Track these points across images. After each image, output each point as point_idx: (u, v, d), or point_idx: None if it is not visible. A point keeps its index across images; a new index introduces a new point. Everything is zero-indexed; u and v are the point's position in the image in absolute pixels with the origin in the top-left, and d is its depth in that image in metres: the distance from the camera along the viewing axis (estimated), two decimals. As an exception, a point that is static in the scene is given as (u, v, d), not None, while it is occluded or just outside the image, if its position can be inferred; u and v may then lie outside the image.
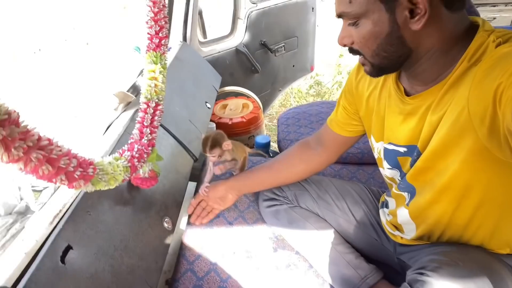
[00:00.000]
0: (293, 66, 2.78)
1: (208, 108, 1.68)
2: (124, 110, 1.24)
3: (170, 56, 1.73)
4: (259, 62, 2.46)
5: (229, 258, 1.04)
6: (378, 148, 0.92)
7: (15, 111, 0.49)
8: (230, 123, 1.94)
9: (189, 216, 1.20)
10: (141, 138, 0.96)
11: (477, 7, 2.58)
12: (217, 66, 2.16)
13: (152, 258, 0.94)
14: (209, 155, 1.09)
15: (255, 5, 2.33)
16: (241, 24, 2.32)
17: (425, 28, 0.64)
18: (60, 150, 0.58)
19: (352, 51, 0.74)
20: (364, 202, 1.09)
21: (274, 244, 1.09)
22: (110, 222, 0.88)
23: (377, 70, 0.74)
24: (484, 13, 2.48)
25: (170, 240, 1.03)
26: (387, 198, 0.98)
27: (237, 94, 2.19)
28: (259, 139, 1.60)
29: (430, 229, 0.84)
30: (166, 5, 1.07)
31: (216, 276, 1.00)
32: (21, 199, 0.89)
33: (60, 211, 0.82)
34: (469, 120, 0.62)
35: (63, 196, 0.86)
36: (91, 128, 1.18)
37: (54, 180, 0.59)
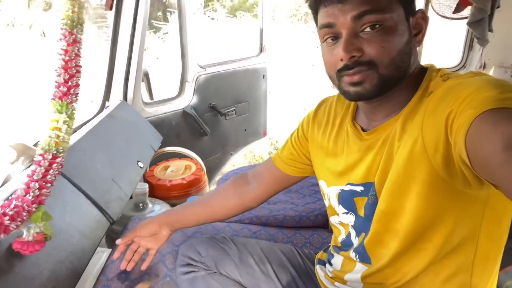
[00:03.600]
0: (245, 130, 2.76)
1: (140, 167, 1.56)
2: (31, 164, 1.11)
3: (103, 113, 1.65)
4: (208, 125, 2.42)
5: None
6: (328, 193, 0.86)
7: None
8: (168, 185, 1.82)
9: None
10: (26, 193, 0.83)
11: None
12: (162, 127, 2.10)
13: None
14: None
15: (203, 69, 2.35)
16: (189, 87, 2.31)
17: (416, 50, 0.69)
18: None
19: (358, 64, 0.65)
20: (292, 265, 0.98)
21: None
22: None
23: (382, 84, 0.66)
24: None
25: (55, 320, 0.85)
26: (333, 253, 0.89)
27: (180, 156, 2.10)
28: (190, 199, 1.48)
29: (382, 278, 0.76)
30: (80, 55, 1.01)
31: None
32: None
33: None
34: (424, 150, 0.61)
35: None
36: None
37: None
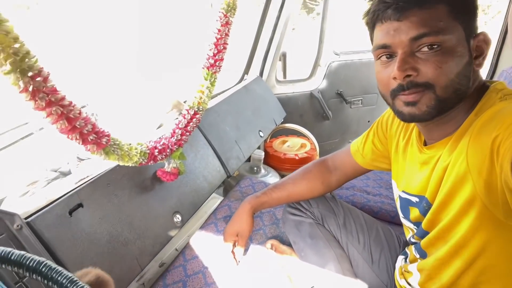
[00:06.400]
0: (368, 121, 2.75)
1: (260, 136, 1.79)
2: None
3: (240, 85, 1.91)
4: (332, 110, 2.51)
5: (221, 267, 1.09)
6: (396, 195, 0.91)
7: (47, 71, 0.65)
8: (282, 157, 2.01)
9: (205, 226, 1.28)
10: (172, 136, 1.10)
11: None
12: (289, 105, 2.28)
13: (150, 242, 1.04)
14: None
15: (337, 56, 2.43)
16: (321, 71, 2.43)
17: (477, 72, 0.67)
18: (79, 113, 0.73)
19: (413, 85, 0.64)
20: (387, 244, 1.05)
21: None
22: (124, 198, 1.02)
23: (439, 106, 0.65)
24: None
25: (175, 233, 1.13)
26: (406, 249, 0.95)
27: (299, 134, 2.27)
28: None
29: None
30: (229, 35, 1.24)
31: (203, 278, 1.05)
32: (68, 163, 1.08)
33: (88, 176, 0.99)
34: (468, 172, 0.61)
35: (94, 167, 1.03)
36: (148, 123, 1.37)
37: (70, 136, 0.74)
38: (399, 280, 0.91)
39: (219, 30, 1.20)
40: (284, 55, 2.30)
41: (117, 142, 0.86)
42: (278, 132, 2.26)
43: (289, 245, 1.15)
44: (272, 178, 1.86)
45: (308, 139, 2.20)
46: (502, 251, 0.64)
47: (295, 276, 1.07)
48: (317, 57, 2.42)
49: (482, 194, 0.59)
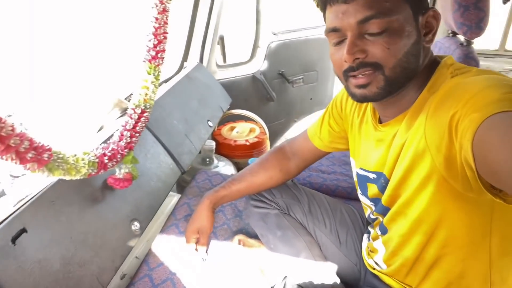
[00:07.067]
0: (311, 99, 2.80)
1: (209, 126, 1.72)
2: (122, 115, 1.31)
3: (181, 74, 1.81)
4: (275, 91, 2.51)
5: (189, 270, 1.04)
6: (354, 172, 0.92)
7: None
8: (233, 144, 1.97)
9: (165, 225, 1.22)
10: (120, 139, 1.01)
11: (493, 57, 2.51)
12: (232, 90, 2.23)
13: (109, 257, 0.95)
14: None
15: (276, 36, 2.41)
16: (261, 53, 2.40)
17: (427, 49, 0.68)
18: (12, 130, 0.62)
19: (362, 65, 0.65)
20: (352, 224, 1.07)
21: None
22: (74, 215, 0.91)
23: (389, 86, 0.66)
24: (500, 64, 2.41)
25: (134, 243, 1.05)
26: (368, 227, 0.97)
27: (246, 119, 2.24)
28: (251, 160, 1.62)
29: (400, 265, 0.81)
30: (168, 22, 1.14)
31: (172, 286, 0.99)
32: (-1, 182, 0.94)
33: (26, 196, 0.87)
34: (427, 148, 0.63)
35: (33, 184, 0.91)
36: (86, 126, 1.25)
37: (4, 157, 0.63)
38: (367, 259, 0.94)
39: (156, 19, 1.11)
40: (222, 39, 2.23)
41: (61, 156, 0.76)
42: (225, 119, 2.21)
43: (255, 237, 1.13)
44: (226, 167, 1.82)
45: (256, 122, 2.18)
46: (461, 221, 0.67)
47: (267, 268, 1.05)
48: (256, 38, 2.38)
49: (441, 168, 0.61)
